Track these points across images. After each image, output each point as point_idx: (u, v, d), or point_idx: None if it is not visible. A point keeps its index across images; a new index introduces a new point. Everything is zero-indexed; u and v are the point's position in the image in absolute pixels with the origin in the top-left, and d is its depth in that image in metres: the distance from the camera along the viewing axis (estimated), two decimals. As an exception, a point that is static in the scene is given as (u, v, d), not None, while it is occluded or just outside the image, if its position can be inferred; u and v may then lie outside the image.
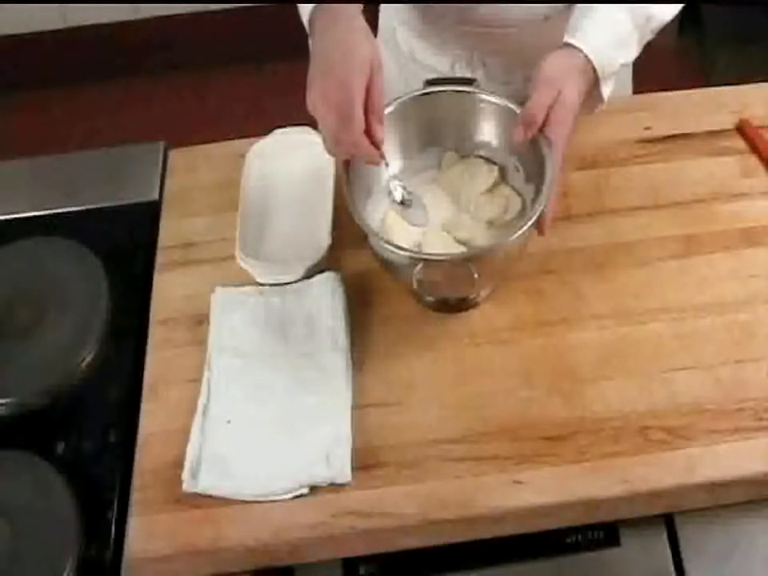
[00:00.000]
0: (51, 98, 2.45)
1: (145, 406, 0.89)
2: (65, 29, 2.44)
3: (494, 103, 0.92)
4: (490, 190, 0.94)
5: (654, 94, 1.12)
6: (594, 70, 0.88)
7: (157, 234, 1.03)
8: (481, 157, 0.96)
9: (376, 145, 0.83)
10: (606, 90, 0.91)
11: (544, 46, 0.89)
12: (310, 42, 0.87)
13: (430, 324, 0.93)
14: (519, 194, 0.93)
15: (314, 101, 0.81)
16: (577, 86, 0.87)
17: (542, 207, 0.83)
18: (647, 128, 1.07)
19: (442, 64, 1.11)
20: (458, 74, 1.09)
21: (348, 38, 0.82)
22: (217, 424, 0.86)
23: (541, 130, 0.86)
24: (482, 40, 1.06)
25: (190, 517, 0.81)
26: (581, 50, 0.87)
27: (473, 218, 0.92)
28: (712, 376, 0.87)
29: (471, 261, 0.83)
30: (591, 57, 0.88)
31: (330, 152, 0.84)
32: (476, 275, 0.83)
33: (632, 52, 0.93)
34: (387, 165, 0.88)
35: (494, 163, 0.95)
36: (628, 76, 1.21)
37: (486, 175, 0.94)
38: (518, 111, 0.89)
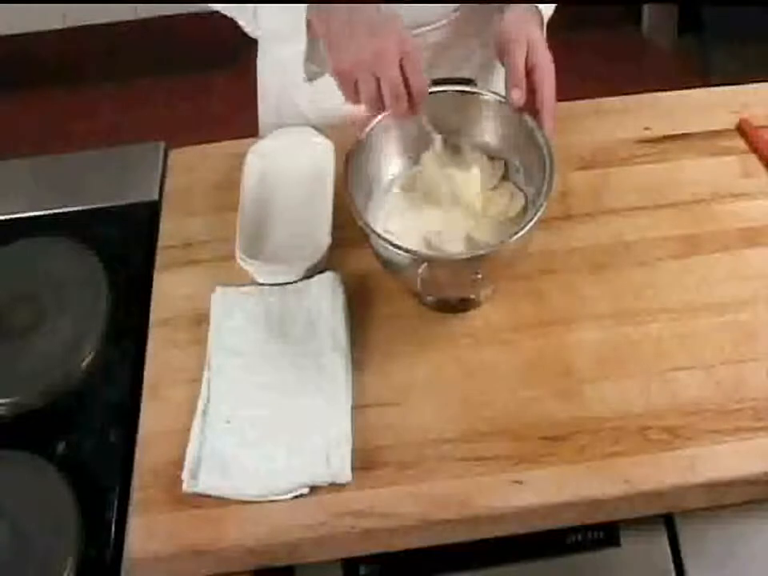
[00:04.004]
0: (51, 97, 2.45)
1: (145, 406, 0.89)
2: (65, 29, 2.44)
3: (494, 103, 0.92)
4: (496, 187, 0.94)
5: (653, 94, 1.12)
6: (539, 12, 0.95)
7: (157, 234, 1.03)
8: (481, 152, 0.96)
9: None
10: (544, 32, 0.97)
11: (455, 45, 0.93)
12: (311, 19, 0.87)
13: (431, 324, 0.93)
14: (521, 190, 0.93)
15: (347, 63, 0.82)
16: (537, 27, 0.93)
17: (543, 207, 0.83)
18: (647, 128, 1.07)
19: None
20: None
21: (373, 13, 0.84)
22: (217, 424, 0.86)
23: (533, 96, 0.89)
24: None
25: (190, 517, 0.81)
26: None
27: (476, 214, 0.92)
28: (712, 376, 0.87)
29: (474, 261, 0.83)
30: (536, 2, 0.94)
31: (372, 104, 0.84)
32: (479, 275, 0.83)
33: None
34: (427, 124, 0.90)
35: (498, 158, 0.95)
36: None
37: (493, 171, 0.94)
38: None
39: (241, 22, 0.98)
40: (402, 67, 0.82)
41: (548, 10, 0.97)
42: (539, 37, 0.91)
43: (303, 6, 0.86)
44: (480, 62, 1.12)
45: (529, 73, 0.89)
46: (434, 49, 1.08)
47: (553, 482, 0.81)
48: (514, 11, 0.94)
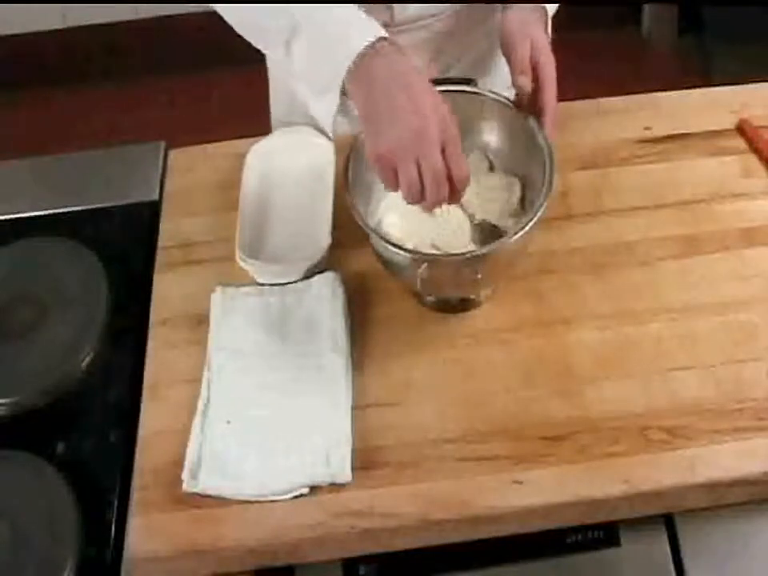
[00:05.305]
0: (51, 98, 2.45)
1: (145, 406, 0.89)
2: (65, 29, 2.44)
3: (494, 103, 0.92)
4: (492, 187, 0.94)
5: (654, 94, 1.12)
6: (544, 9, 0.94)
7: (157, 234, 1.03)
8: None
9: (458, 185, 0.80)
10: (549, 29, 0.96)
11: (461, 32, 0.95)
12: (350, 90, 0.82)
13: (431, 324, 0.93)
14: (515, 176, 0.93)
15: (387, 147, 0.78)
16: (541, 25, 0.93)
17: (543, 207, 0.83)
18: (647, 128, 1.07)
19: None
20: None
21: (411, 92, 0.79)
22: (217, 424, 0.86)
23: (537, 81, 0.89)
24: (400, 36, 1.06)
25: (190, 517, 0.81)
26: None
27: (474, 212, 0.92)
28: (712, 376, 0.87)
29: (474, 261, 0.83)
30: None
31: (413, 192, 0.79)
32: (479, 275, 0.83)
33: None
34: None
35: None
36: None
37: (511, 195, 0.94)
38: (518, 110, 0.91)
39: (270, 54, 0.93)
40: (443, 152, 0.78)
41: (552, 8, 0.97)
42: (543, 36, 0.91)
43: (345, 64, 0.80)
44: (485, 48, 1.13)
45: (531, 71, 0.89)
46: (440, 36, 1.08)
47: (553, 482, 0.81)
48: (517, 10, 0.93)
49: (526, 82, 0.88)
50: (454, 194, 0.80)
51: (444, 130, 0.78)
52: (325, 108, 0.86)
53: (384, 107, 0.79)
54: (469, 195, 0.91)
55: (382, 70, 0.80)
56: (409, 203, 0.81)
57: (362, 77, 0.81)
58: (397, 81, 0.79)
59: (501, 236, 0.86)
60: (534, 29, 0.91)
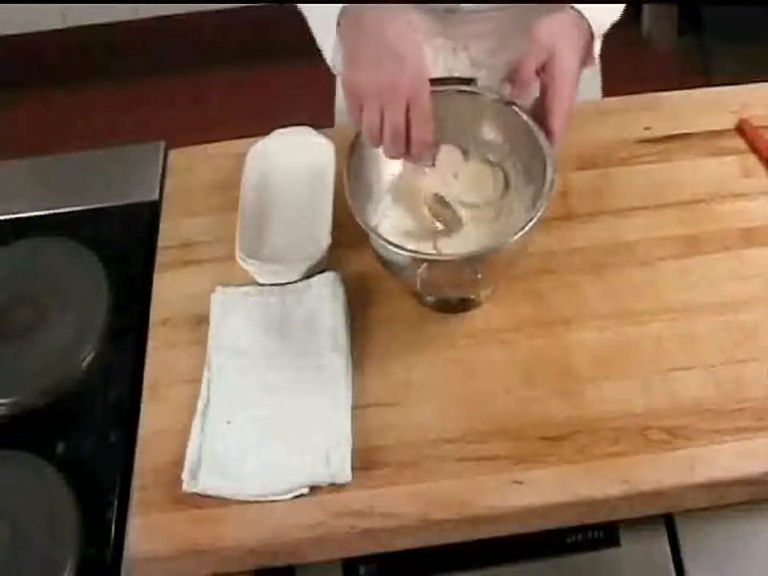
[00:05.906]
0: (51, 98, 2.46)
1: (145, 406, 0.89)
2: (65, 29, 2.44)
3: (495, 102, 0.92)
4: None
5: (654, 94, 1.12)
6: (589, 26, 0.89)
7: (157, 234, 1.03)
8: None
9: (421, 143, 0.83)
10: (597, 48, 0.92)
11: (523, 29, 0.91)
12: (342, 26, 0.85)
13: (431, 324, 0.93)
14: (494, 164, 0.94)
15: (359, 88, 0.81)
16: (574, 41, 0.88)
17: (543, 207, 0.83)
18: (647, 128, 1.07)
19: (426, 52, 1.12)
20: (441, 60, 1.11)
21: (398, 44, 0.81)
22: (217, 424, 0.86)
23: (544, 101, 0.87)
24: (465, 25, 1.08)
25: (190, 517, 0.81)
26: (573, 7, 0.89)
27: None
28: (712, 376, 0.87)
29: (474, 261, 0.83)
30: (585, 13, 0.89)
31: (371, 136, 0.82)
32: (479, 275, 0.83)
33: (618, 10, 0.94)
34: (433, 164, 0.89)
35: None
36: (597, 80, 1.26)
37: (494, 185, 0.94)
38: (518, 110, 0.90)
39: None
40: (409, 110, 0.80)
41: (602, 18, 0.90)
42: (568, 50, 0.87)
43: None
44: None
45: (548, 83, 0.87)
46: (504, 29, 1.08)
47: (553, 482, 0.81)
48: (551, 20, 0.88)
49: (508, 92, 0.88)
50: (409, 153, 0.83)
51: (415, 89, 0.80)
52: (327, 44, 0.89)
53: (370, 49, 0.82)
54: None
55: (374, 15, 0.83)
56: (373, 145, 0.84)
57: (353, 15, 0.84)
58: (387, 28, 0.82)
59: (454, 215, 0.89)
60: (560, 44, 0.86)
